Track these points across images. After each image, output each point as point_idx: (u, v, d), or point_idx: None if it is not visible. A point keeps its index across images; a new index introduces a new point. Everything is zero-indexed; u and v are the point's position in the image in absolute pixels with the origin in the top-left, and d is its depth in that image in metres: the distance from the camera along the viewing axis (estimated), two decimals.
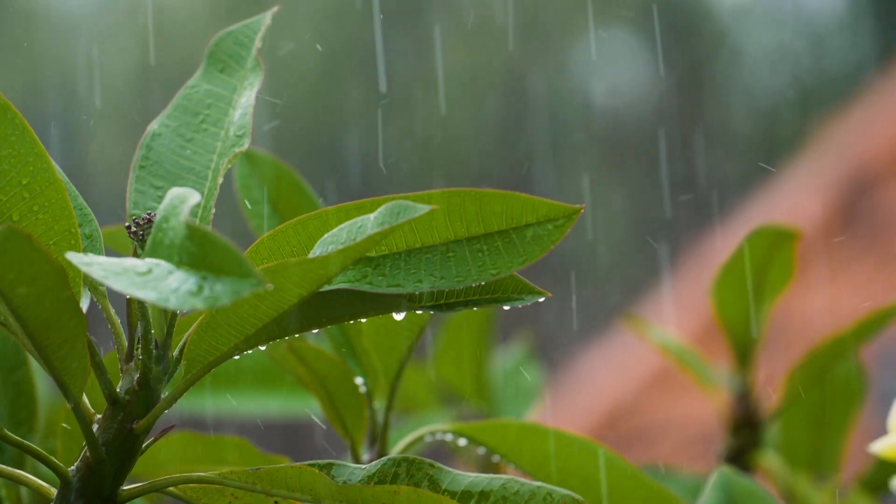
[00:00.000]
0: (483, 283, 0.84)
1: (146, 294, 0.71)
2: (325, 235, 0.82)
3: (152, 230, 0.77)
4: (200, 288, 0.71)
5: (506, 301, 0.85)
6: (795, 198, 3.87)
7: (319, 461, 0.83)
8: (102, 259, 0.76)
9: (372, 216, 0.80)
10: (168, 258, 0.74)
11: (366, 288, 0.82)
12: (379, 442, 1.11)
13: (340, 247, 0.78)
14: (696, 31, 6.09)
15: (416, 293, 0.84)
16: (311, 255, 0.81)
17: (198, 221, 0.90)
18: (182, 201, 0.75)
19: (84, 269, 0.73)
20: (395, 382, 1.11)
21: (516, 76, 6.03)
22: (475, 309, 0.86)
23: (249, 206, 1.12)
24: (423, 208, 0.78)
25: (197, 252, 0.72)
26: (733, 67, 6.21)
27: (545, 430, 1.06)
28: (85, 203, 0.90)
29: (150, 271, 0.73)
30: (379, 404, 1.11)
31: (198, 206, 0.91)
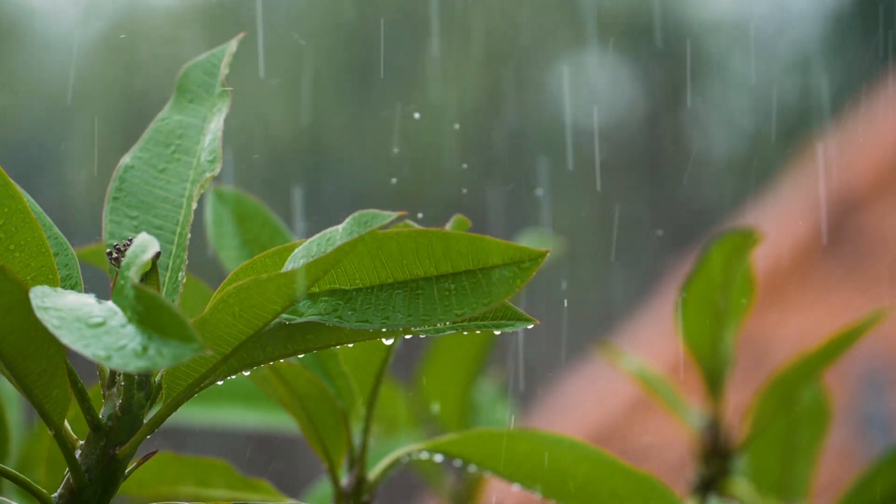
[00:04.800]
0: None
1: (91, 352, 0.71)
2: (296, 250, 0.83)
3: (120, 271, 0.77)
4: (145, 349, 0.71)
5: (495, 326, 0.85)
6: (778, 221, 3.88)
7: (295, 502, 0.83)
8: (63, 302, 0.76)
9: (340, 227, 0.80)
10: (123, 308, 0.75)
11: (335, 322, 0.82)
12: (357, 465, 1.11)
13: (311, 259, 0.78)
14: (679, 54, 6.11)
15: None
16: (283, 270, 0.81)
17: (174, 249, 0.91)
18: (143, 251, 0.76)
19: (39, 314, 0.73)
20: (372, 400, 1.10)
21: (496, 97, 6.03)
22: (465, 333, 0.86)
23: (220, 241, 1.12)
24: (390, 215, 0.79)
25: (144, 312, 0.73)
26: (716, 90, 6.23)
27: (517, 433, 1.06)
28: (60, 232, 0.91)
29: (104, 323, 0.73)
30: (356, 426, 1.11)
31: (173, 237, 0.91)
